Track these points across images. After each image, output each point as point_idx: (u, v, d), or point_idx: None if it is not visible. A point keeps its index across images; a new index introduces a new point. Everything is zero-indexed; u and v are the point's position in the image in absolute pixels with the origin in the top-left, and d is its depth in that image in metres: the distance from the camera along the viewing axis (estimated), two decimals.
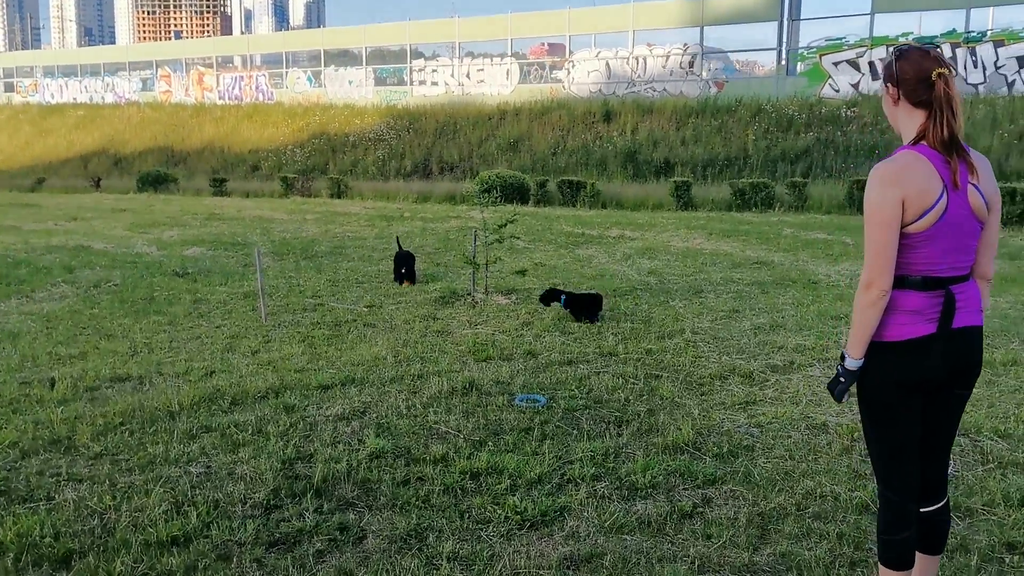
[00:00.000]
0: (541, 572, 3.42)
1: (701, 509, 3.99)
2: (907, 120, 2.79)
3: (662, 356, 6.85)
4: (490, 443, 4.84)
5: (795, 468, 4.47)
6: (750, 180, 21.00)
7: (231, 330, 8.01)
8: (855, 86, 27.35)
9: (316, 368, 6.55)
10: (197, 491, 4.17)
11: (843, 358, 2.83)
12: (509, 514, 3.90)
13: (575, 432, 5.04)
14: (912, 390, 2.77)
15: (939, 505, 2.99)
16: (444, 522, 3.85)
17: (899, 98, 2.78)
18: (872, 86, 26.95)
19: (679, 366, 6.55)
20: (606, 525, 3.81)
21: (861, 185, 19.20)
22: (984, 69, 25.27)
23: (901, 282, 2.71)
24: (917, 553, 2.93)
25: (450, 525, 3.83)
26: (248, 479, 4.32)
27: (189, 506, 3.98)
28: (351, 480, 4.31)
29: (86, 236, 15.67)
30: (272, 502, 4.07)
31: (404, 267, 10.35)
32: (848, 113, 25.55)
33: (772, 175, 23.08)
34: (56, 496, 4.14)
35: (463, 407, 5.51)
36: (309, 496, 4.11)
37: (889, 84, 2.79)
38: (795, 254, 12.70)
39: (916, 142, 2.73)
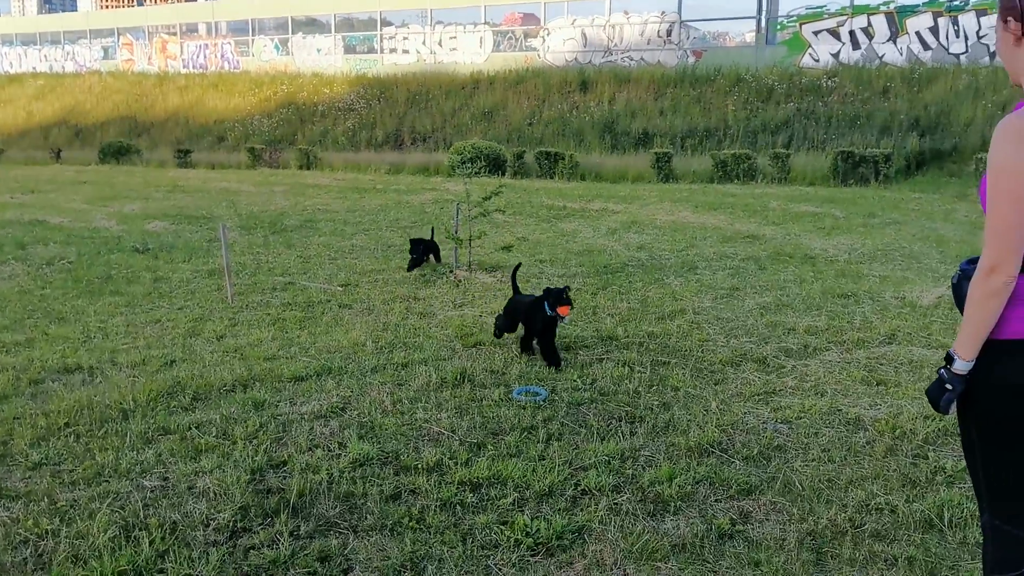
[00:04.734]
0: None
1: (741, 527, 3.45)
2: None
3: (666, 340, 6.31)
4: (490, 446, 4.27)
5: (838, 474, 3.94)
6: (732, 151, 20.49)
7: (194, 312, 7.35)
8: (835, 55, 26.82)
9: (288, 356, 5.94)
10: (151, 511, 3.55)
11: (950, 359, 2.29)
12: (520, 537, 3.34)
13: (584, 431, 4.49)
14: None
15: None
16: (444, 548, 3.28)
17: (1022, 35, 2.23)
18: (853, 56, 26.48)
19: (686, 351, 6.01)
20: (635, 549, 3.26)
21: (846, 156, 18.81)
22: (966, 39, 24.86)
23: None
24: None
25: (451, 552, 3.25)
26: (211, 495, 3.71)
27: (141, 530, 3.37)
28: (332, 494, 3.72)
29: (42, 210, 14.78)
30: (240, 524, 3.47)
31: (414, 254, 9.26)
32: (829, 83, 25.05)
33: (753, 146, 22.59)
34: None
35: (455, 402, 4.93)
36: (284, 515, 3.51)
37: (1011, 19, 2.23)
38: (785, 227, 12.22)
39: None
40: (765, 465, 4.07)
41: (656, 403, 4.93)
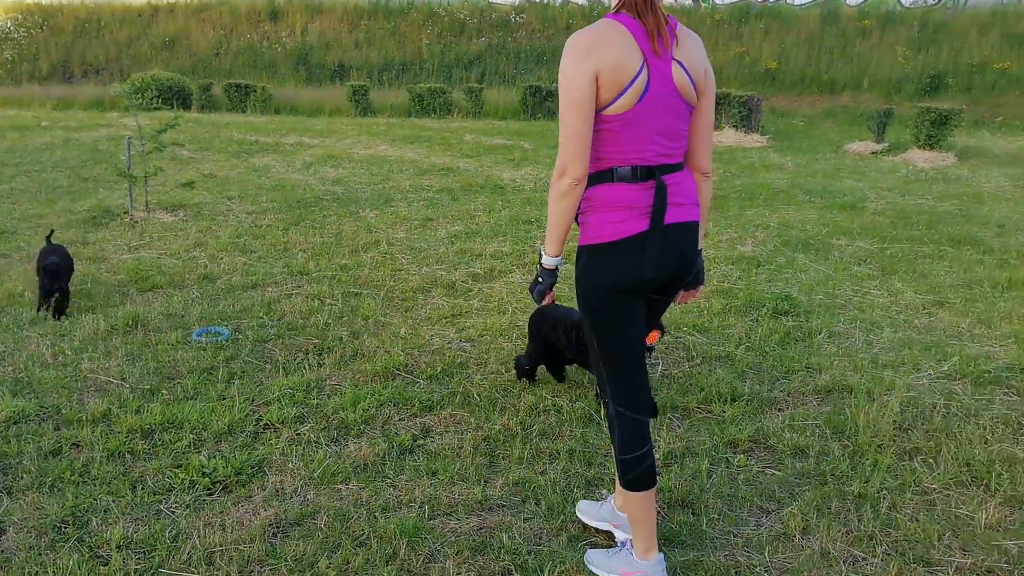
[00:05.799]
0: (242, 547, 2.80)
1: (422, 441, 3.57)
2: None
3: (359, 272, 6.31)
4: (164, 391, 4.04)
5: (513, 383, 4.20)
6: (427, 85, 20.69)
7: None
8: None
9: None
10: None
11: (541, 256, 2.56)
12: (195, 477, 3.21)
13: (268, 367, 4.39)
14: (635, 295, 2.48)
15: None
16: (110, 499, 3.08)
17: None
18: None
19: (379, 281, 6.06)
20: (316, 476, 3.26)
21: (535, 91, 19.69)
22: None
23: (610, 175, 2.39)
24: None
25: (118, 502, 3.06)
26: None
27: None
28: None
29: None
30: None
31: (56, 285, 5.16)
32: (517, 19, 25.98)
33: (448, 80, 22.97)
34: None
35: (126, 349, 4.60)
36: None
37: None
38: (478, 160, 12.62)
39: (617, 10, 2.37)
40: (447, 382, 4.23)
41: (346, 333, 4.92)
